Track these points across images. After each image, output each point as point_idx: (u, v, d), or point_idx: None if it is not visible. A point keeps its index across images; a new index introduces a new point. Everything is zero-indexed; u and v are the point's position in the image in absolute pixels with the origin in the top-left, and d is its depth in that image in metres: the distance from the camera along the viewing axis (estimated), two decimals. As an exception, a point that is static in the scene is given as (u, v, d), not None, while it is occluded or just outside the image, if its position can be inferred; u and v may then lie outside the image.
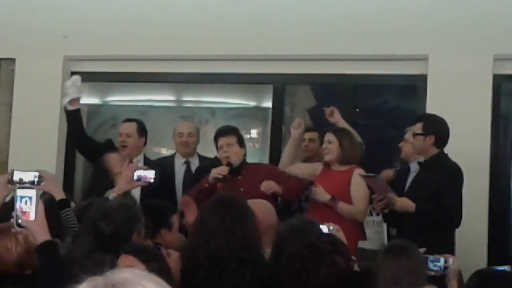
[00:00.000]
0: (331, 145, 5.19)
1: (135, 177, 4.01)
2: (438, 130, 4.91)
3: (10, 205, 4.29)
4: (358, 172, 5.09)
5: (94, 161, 5.62)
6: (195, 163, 5.88)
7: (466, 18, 5.87)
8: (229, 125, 5.69)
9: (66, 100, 5.33)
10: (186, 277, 3.35)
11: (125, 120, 5.75)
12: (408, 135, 5.41)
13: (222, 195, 3.81)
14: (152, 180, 3.99)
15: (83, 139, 5.62)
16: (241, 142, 5.25)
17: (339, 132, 5.25)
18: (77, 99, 5.34)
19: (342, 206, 5.01)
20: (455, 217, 4.75)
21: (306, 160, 5.94)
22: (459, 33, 5.89)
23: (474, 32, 5.85)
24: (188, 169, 5.85)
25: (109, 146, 5.55)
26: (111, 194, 3.92)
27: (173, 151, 6.14)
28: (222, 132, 5.29)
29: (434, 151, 4.90)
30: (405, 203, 4.77)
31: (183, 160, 5.90)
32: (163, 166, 5.39)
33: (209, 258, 3.27)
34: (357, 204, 5.06)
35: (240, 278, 3.24)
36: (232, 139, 5.21)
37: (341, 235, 3.52)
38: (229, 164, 5.11)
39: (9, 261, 3.27)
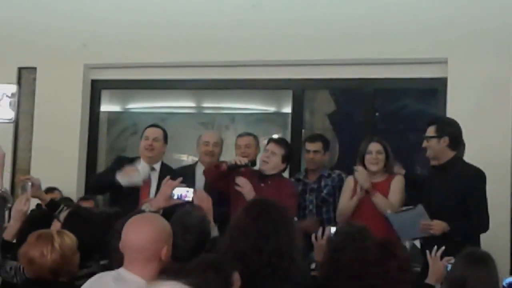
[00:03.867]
0: (381, 155, 5.15)
1: (174, 196, 3.91)
2: (452, 131, 4.88)
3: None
4: (397, 179, 5.12)
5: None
6: None
7: (485, 20, 5.83)
8: (284, 139, 5.81)
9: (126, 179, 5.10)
10: None
11: (151, 125, 5.70)
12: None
13: (261, 199, 3.75)
14: (190, 199, 3.88)
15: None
16: (284, 159, 5.31)
17: (383, 141, 5.22)
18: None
19: (378, 197, 5.02)
20: (485, 223, 4.73)
21: (308, 172, 5.77)
22: (478, 36, 5.84)
23: (494, 35, 5.80)
24: None
25: (121, 162, 5.42)
26: (148, 208, 3.88)
27: (194, 158, 6.10)
28: (273, 141, 5.44)
29: (450, 154, 4.86)
30: (440, 226, 4.67)
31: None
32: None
33: (238, 257, 3.19)
34: (392, 200, 5.06)
35: (271, 284, 3.18)
36: (279, 150, 5.30)
37: None
38: (249, 163, 5.26)
39: (44, 267, 3.37)
